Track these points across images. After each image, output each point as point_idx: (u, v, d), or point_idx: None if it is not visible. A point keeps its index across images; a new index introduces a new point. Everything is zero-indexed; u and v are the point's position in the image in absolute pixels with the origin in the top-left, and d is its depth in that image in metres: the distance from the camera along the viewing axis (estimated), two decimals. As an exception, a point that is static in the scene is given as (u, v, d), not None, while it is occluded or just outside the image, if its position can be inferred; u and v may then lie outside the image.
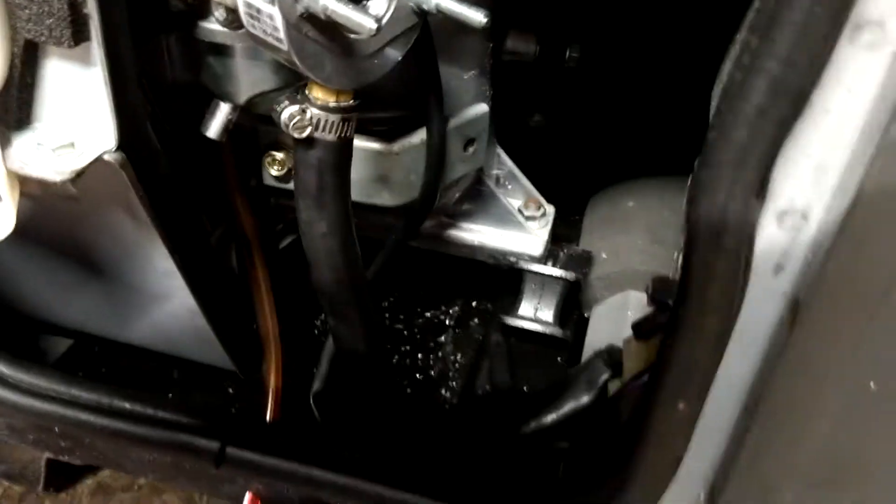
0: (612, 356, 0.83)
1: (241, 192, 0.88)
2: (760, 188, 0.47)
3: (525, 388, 1.01)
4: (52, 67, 0.60)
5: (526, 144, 1.09)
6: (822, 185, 0.47)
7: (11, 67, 0.58)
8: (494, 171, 1.03)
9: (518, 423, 0.86)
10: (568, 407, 0.81)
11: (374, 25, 0.55)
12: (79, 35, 0.56)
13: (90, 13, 0.56)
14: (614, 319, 1.05)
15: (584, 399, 0.81)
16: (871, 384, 0.52)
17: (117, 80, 0.59)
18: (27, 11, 0.55)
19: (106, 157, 0.61)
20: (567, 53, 0.92)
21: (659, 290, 0.71)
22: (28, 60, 0.59)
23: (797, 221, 0.49)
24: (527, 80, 1.04)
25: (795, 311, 0.51)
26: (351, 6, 0.56)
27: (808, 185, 0.47)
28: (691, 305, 0.50)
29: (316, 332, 1.17)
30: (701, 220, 0.47)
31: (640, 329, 0.73)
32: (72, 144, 0.60)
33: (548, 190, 1.10)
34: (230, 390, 1.08)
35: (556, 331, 1.01)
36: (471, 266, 1.14)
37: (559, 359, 1.05)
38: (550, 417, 0.83)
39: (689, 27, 1.02)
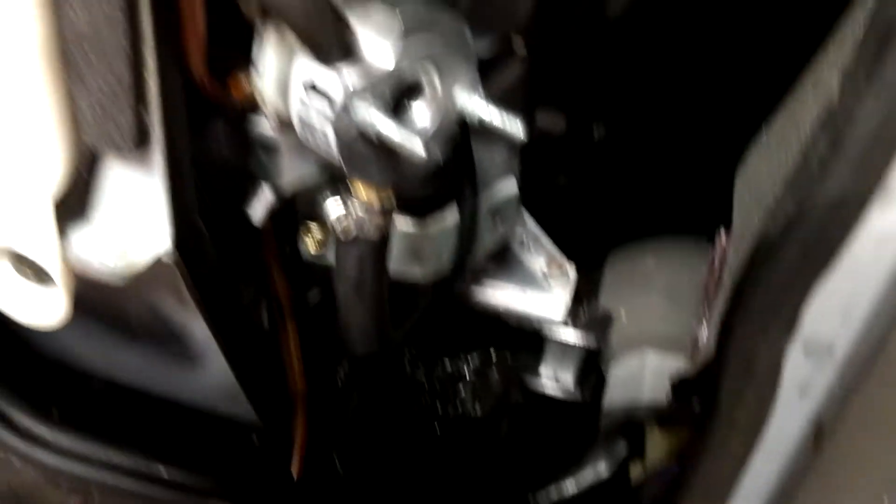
0: (631, 431, 0.86)
1: (277, 261, 0.91)
2: (790, 326, 0.50)
3: (543, 448, 1.04)
4: (113, 170, 0.63)
5: (548, 203, 1.12)
6: (848, 324, 0.50)
7: (75, 172, 0.62)
8: (518, 233, 1.06)
9: (537, 488, 0.89)
10: (588, 479, 0.84)
11: (424, 154, 0.58)
12: (141, 141, 0.59)
13: (153, 121, 0.59)
14: (632, 380, 1.08)
15: (604, 473, 0.84)
16: (885, 499, 0.55)
17: (175, 182, 0.63)
18: (93, 118, 0.58)
19: (164, 259, 0.64)
20: (594, 130, 0.95)
21: (682, 390, 0.74)
22: (90, 164, 0.62)
23: (823, 354, 0.52)
24: (553, 148, 1.07)
25: (819, 433, 0.54)
26: (402, 129, 0.59)
27: (835, 323, 0.50)
28: (719, 425, 0.53)
29: (339, 384, 1.20)
30: (733, 353, 0.50)
31: (663, 418, 0.75)
32: (129, 245, 0.63)
33: (566, 244, 1.13)
34: (254, 438, 1.11)
35: (576, 395, 1.04)
36: (485, 317, 1.16)
37: (576, 419, 1.08)
38: (571, 487, 0.86)
39: (714, 104, 1.05)
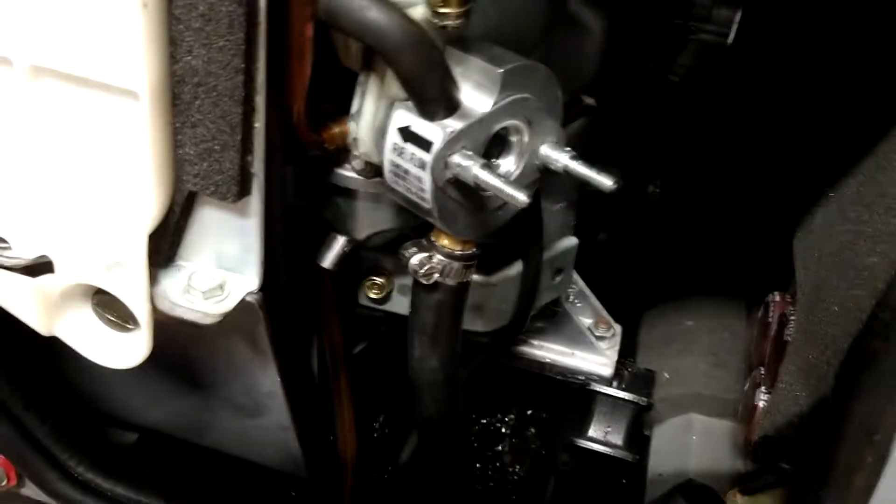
0: (691, 491, 0.84)
1: (334, 311, 0.90)
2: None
3: (591, 508, 1.03)
4: (208, 215, 0.63)
5: (590, 259, 1.13)
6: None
7: (169, 213, 0.62)
8: (567, 291, 1.06)
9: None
10: (649, 543, 0.83)
11: (527, 200, 0.58)
12: (244, 191, 0.59)
13: (256, 172, 0.59)
14: (678, 442, 1.07)
15: (666, 536, 0.82)
16: None
17: (268, 228, 0.63)
18: (197, 168, 0.58)
19: (248, 298, 0.64)
20: (650, 188, 0.96)
21: (767, 449, 0.73)
22: (186, 208, 0.62)
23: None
24: (597, 203, 1.08)
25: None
26: (500, 178, 0.59)
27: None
28: (835, 491, 0.52)
29: (375, 434, 1.18)
30: (855, 418, 0.49)
31: (748, 485, 0.75)
32: (220, 287, 0.63)
33: (605, 302, 1.13)
34: (293, 493, 1.09)
35: (626, 455, 1.02)
36: (522, 375, 1.16)
37: (624, 480, 1.07)
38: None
39: (763, 169, 1.07)
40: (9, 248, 0.64)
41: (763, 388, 0.88)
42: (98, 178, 0.60)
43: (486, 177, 0.59)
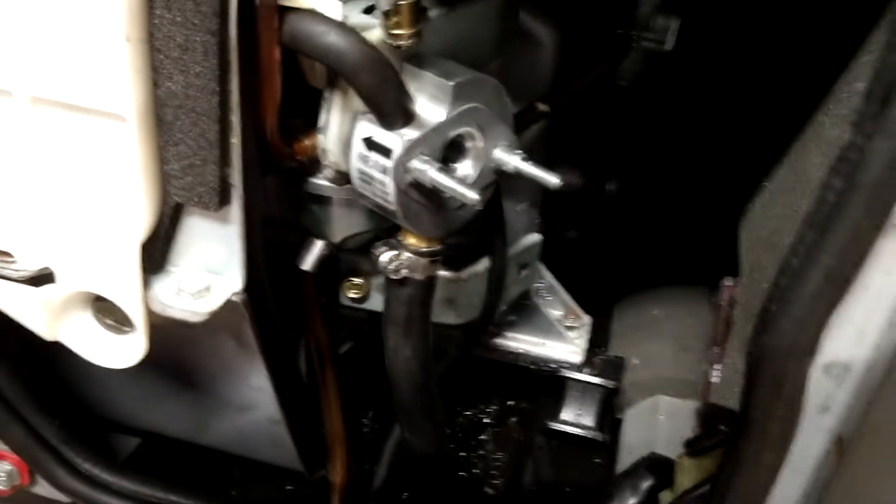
0: (654, 463, 0.91)
1: (318, 310, 0.97)
2: (814, 350, 0.57)
3: (567, 488, 1.09)
4: (193, 223, 0.69)
5: (560, 256, 1.20)
6: (862, 345, 0.57)
7: (159, 224, 0.68)
8: (536, 285, 1.13)
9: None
10: (616, 513, 0.89)
11: (477, 198, 0.65)
12: (224, 201, 0.66)
13: (235, 183, 0.66)
14: (646, 423, 1.14)
15: (630, 503, 0.89)
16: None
17: (248, 233, 0.69)
18: (181, 181, 0.65)
19: (233, 297, 0.71)
20: (607, 186, 1.03)
21: (715, 416, 0.80)
22: (174, 218, 0.69)
23: (841, 372, 0.58)
24: (565, 203, 1.15)
25: (840, 446, 0.60)
26: (453, 179, 0.66)
27: (851, 344, 0.57)
28: (752, 441, 0.59)
29: (365, 430, 1.25)
30: (764, 375, 0.56)
31: (693, 447, 0.81)
32: (207, 288, 0.70)
33: (577, 296, 1.20)
34: (288, 487, 1.16)
35: (597, 435, 1.09)
36: (504, 367, 1.22)
37: (597, 459, 1.14)
38: (599, 522, 0.91)
39: (712, 162, 1.14)
40: (14, 262, 0.70)
41: (715, 366, 0.95)
42: (93, 194, 0.67)
43: (441, 179, 0.66)
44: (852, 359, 0.58)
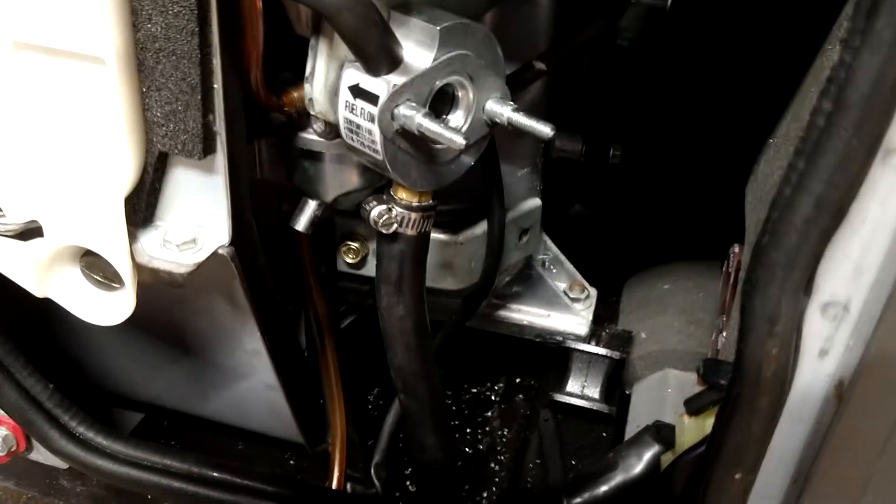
0: (658, 430, 0.89)
1: (315, 279, 0.96)
2: (807, 284, 0.55)
3: (573, 460, 1.07)
4: (178, 174, 0.69)
5: (567, 231, 1.18)
6: (860, 282, 0.54)
7: (143, 174, 0.68)
8: (541, 257, 1.11)
9: (570, 494, 0.92)
10: (619, 478, 0.87)
11: (463, 142, 0.63)
12: (208, 149, 0.65)
13: (219, 130, 0.65)
14: (655, 396, 1.11)
15: (635, 471, 0.87)
16: (909, 457, 0.58)
17: (234, 185, 0.68)
18: (164, 129, 0.64)
19: (220, 251, 0.70)
20: (611, 152, 1.01)
21: (710, 371, 0.78)
22: (158, 169, 0.68)
23: (839, 312, 0.56)
24: (569, 173, 1.14)
25: (840, 390, 0.58)
26: (440, 124, 0.65)
27: (848, 282, 0.55)
28: (747, 385, 0.57)
29: (370, 406, 1.24)
30: (756, 311, 0.54)
31: (693, 405, 0.79)
32: (193, 241, 0.69)
33: (586, 273, 1.18)
34: (291, 462, 1.15)
35: (602, 406, 1.07)
36: (512, 344, 1.21)
37: (604, 433, 1.11)
38: (602, 489, 0.88)
39: (721, 127, 1.12)
40: (2, 216, 0.70)
41: (723, 333, 0.92)
42: (78, 145, 0.66)
43: (428, 124, 0.64)
44: (850, 297, 0.55)
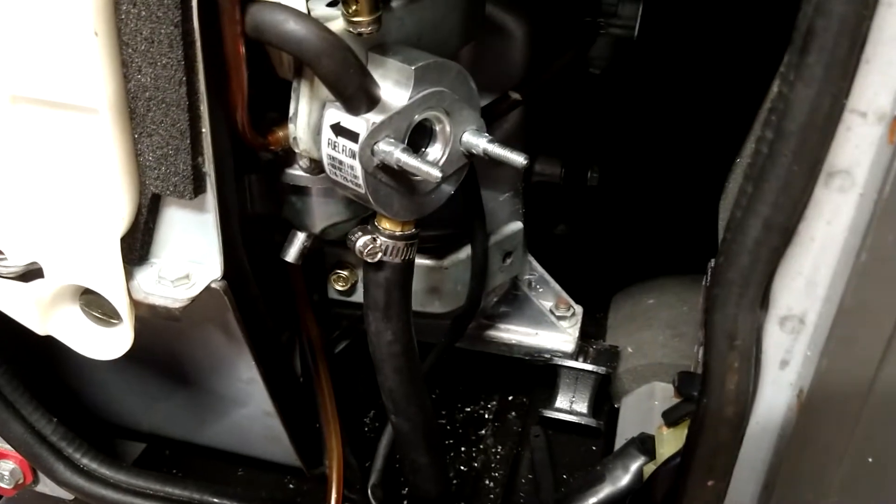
0: (643, 443, 0.92)
1: (308, 307, 0.99)
2: (763, 300, 0.58)
3: (564, 475, 1.10)
4: (171, 214, 0.72)
5: (552, 252, 1.21)
6: (813, 296, 0.58)
7: (137, 215, 0.71)
8: (527, 277, 1.15)
9: (561, 508, 0.95)
10: (607, 490, 0.90)
11: (439, 175, 0.67)
12: (198, 189, 0.69)
13: (208, 171, 0.68)
14: (643, 408, 1.14)
15: (622, 483, 0.90)
16: (869, 459, 0.61)
17: (224, 222, 0.72)
18: (156, 172, 0.68)
19: (213, 285, 0.73)
20: (589, 174, 1.05)
21: (684, 383, 0.81)
22: (152, 209, 0.72)
23: (796, 325, 0.60)
24: (552, 196, 1.17)
25: (801, 399, 0.61)
26: (417, 158, 0.69)
27: (802, 296, 0.58)
28: (713, 396, 0.60)
29: (366, 429, 1.26)
30: (717, 327, 0.58)
31: (670, 417, 0.82)
32: (187, 276, 0.72)
33: (573, 292, 1.21)
34: (290, 486, 1.18)
35: (590, 421, 1.10)
36: (504, 363, 1.24)
37: (594, 447, 1.14)
38: (591, 501, 0.91)
39: (694, 146, 1.16)
40: (4, 259, 0.74)
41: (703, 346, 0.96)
42: (75, 189, 0.70)
43: (406, 159, 0.68)
44: (805, 311, 0.59)
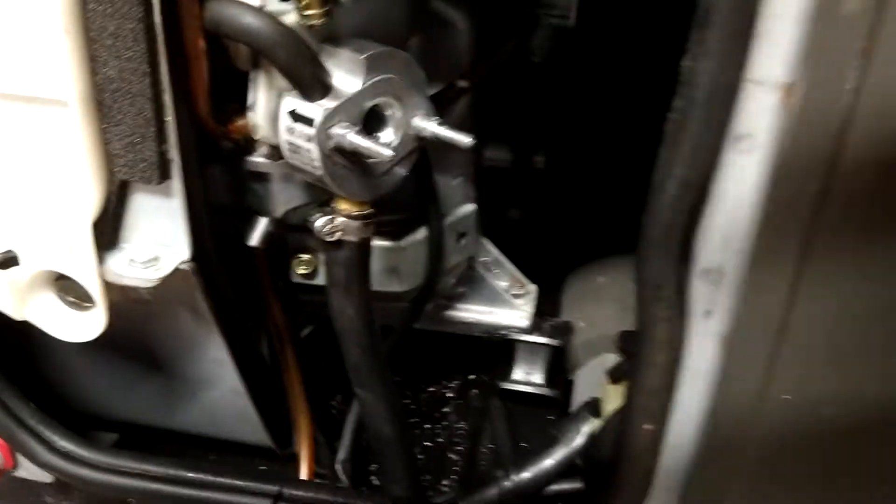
0: (594, 406, 0.98)
1: (273, 292, 1.04)
2: (685, 254, 0.64)
3: (523, 443, 1.16)
4: (140, 200, 0.77)
5: (507, 235, 1.27)
6: (729, 250, 0.64)
7: (107, 202, 0.76)
8: (483, 259, 1.20)
9: (519, 470, 1.01)
10: (562, 451, 0.96)
11: (390, 153, 0.72)
12: (164, 175, 0.73)
13: (173, 158, 0.73)
14: (595, 379, 1.20)
15: (575, 444, 0.96)
16: (786, 396, 0.68)
17: (191, 206, 0.77)
18: (124, 159, 0.72)
19: (182, 266, 0.78)
20: (535, 159, 1.11)
21: (626, 341, 0.87)
22: (120, 196, 0.76)
23: (717, 277, 0.66)
24: (504, 182, 1.23)
25: (724, 344, 0.68)
26: (370, 139, 0.74)
27: (720, 250, 0.65)
28: (646, 346, 0.66)
29: (333, 412, 1.31)
30: (645, 280, 0.64)
31: (614, 374, 0.88)
32: (157, 258, 0.77)
33: (529, 272, 1.27)
34: (262, 467, 1.22)
35: (546, 391, 1.16)
36: (465, 344, 1.29)
37: (551, 416, 1.20)
38: (548, 462, 0.97)
39: (639, 129, 1.22)
40: (-20, 249, 0.78)
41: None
42: (46, 179, 0.74)
43: (359, 140, 0.73)
44: (723, 264, 0.65)
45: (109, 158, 0.73)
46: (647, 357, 0.67)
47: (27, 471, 0.98)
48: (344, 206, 0.82)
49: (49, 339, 0.81)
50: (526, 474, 0.99)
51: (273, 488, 0.88)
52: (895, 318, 0.63)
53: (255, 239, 0.90)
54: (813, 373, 0.65)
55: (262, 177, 0.87)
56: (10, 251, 0.77)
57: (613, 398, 0.86)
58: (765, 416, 0.68)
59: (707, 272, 0.66)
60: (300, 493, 0.89)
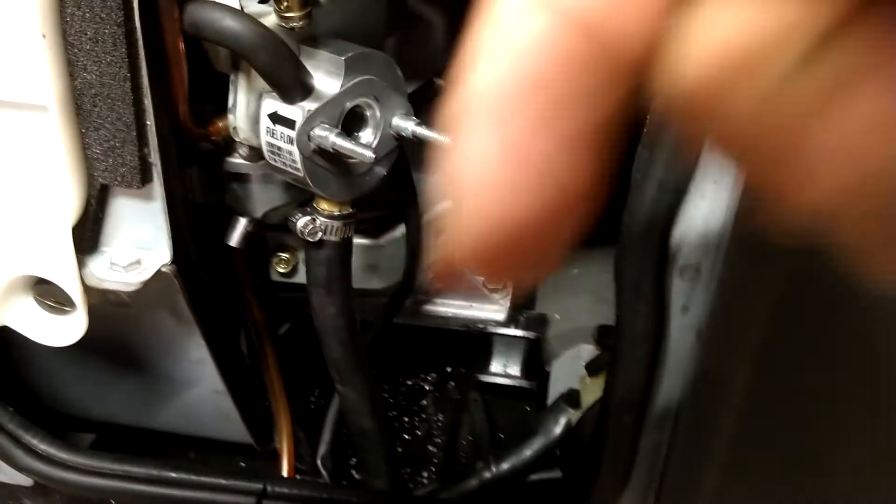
0: (572, 397, 1.00)
1: (252, 290, 1.04)
2: (664, 251, 0.66)
3: (502, 434, 1.18)
4: (120, 203, 0.76)
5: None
6: (706, 247, 0.66)
7: (87, 206, 0.75)
8: (459, 253, 1.22)
9: (499, 461, 1.02)
10: (541, 442, 0.98)
11: (372, 156, 0.73)
12: (146, 179, 0.73)
13: (154, 161, 0.73)
14: (571, 369, 1.22)
15: (554, 434, 0.98)
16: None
17: (171, 209, 0.77)
18: (104, 164, 0.72)
19: (164, 269, 0.78)
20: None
21: (603, 335, 0.89)
22: (101, 200, 0.76)
23: (693, 274, 0.68)
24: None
25: (699, 339, 0.70)
26: (351, 141, 0.74)
27: (697, 248, 0.66)
28: (626, 341, 0.68)
29: (312, 407, 1.32)
30: (625, 277, 0.65)
31: (592, 367, 0.90)
32: (138, 262, 0.77)
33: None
34: (242, 464, 1.22)
35: (523, 383, 1.18)
36: (443, 337, 1.31)
37: (528, 408, 1.22)
38: (527, 453, 0.99)
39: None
40: (-43, 253, 0.77)
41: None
42: (26, 184, 0.74)
43: (340, 142, 0.74)
44: (700, 261, 0.67)
45: (89, 163, 0.72)
46: (626, 351, 0.69)
47: (5, 474, 0.97)
48: (325, 206, 0.82)
49: (27, 342, 0.81)
50: (505, 465, 1.01)
51: (257, 486, 0.88)
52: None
53: (234, 239, 0.90)
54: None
55: (241, 177, 0.87)
56: (-12, 256, 0.77)
57: (592, 390, 0.88)
58: (738, 407, 0.70)
59: (684, 269, 0.68)
60: (285, 489, 0.89)
